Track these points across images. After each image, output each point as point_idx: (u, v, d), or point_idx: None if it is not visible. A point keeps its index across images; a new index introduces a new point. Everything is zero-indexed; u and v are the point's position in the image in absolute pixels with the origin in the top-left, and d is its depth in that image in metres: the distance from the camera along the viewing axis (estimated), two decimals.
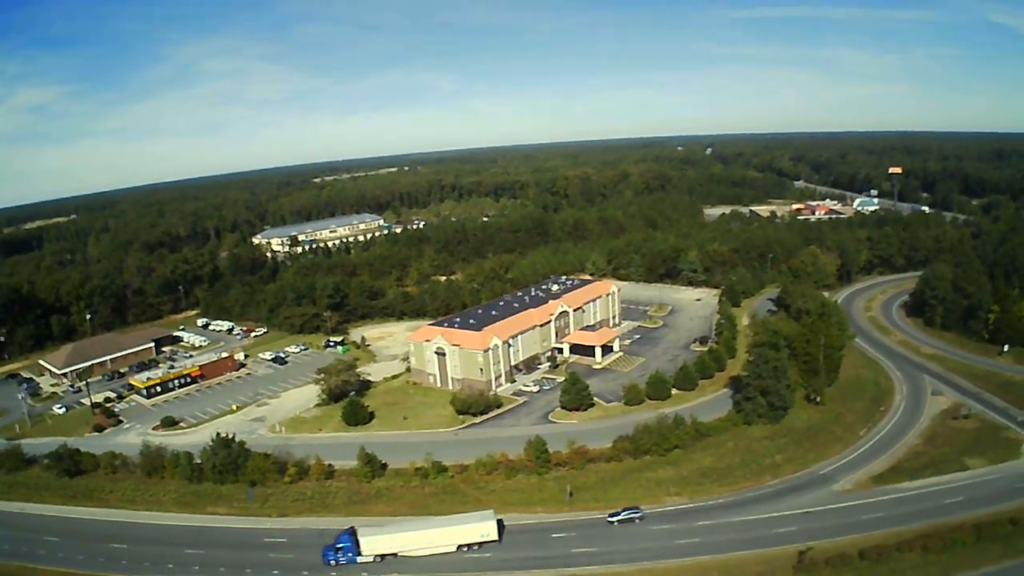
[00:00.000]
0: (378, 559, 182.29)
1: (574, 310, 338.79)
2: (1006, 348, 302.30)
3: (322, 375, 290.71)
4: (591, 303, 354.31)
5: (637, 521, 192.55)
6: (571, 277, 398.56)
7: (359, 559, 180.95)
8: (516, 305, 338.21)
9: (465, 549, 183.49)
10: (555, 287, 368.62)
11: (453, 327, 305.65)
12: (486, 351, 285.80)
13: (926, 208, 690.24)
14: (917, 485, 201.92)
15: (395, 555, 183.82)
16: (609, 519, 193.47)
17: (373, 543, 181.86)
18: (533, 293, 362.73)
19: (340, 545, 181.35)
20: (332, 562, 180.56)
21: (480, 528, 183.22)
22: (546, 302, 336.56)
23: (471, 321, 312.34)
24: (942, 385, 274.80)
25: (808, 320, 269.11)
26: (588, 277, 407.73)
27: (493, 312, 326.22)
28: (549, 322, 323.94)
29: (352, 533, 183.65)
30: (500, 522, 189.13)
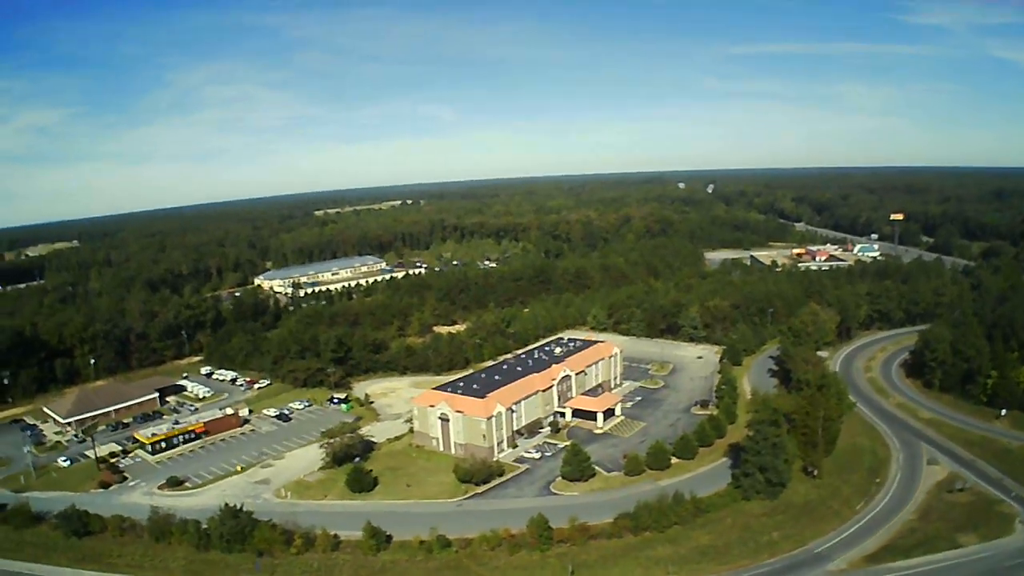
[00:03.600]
0: None
1: (576, 374, 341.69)
2: (1004, 412, 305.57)
3: (326, 439, 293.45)
4: (593, 366, 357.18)
5: None
6: (573, 338, 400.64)
7: None
8: (519, 369, 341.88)
9: None
10: (558, 350, 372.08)
11: (457, 392, 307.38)
12: (489, 419, 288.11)
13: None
14: (910, 564, 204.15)
15: None
16: None
17: None
18: (536, 355, 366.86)
19: None
20: None
21: None
22: (549, 366, 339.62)
23: (474, 386, 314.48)
24: (938, 454, 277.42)
25: (807, 392, 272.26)
26: (591, 338, 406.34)
27: (496, 377, 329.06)
28: (552, 387, 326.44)
29: None
30: None
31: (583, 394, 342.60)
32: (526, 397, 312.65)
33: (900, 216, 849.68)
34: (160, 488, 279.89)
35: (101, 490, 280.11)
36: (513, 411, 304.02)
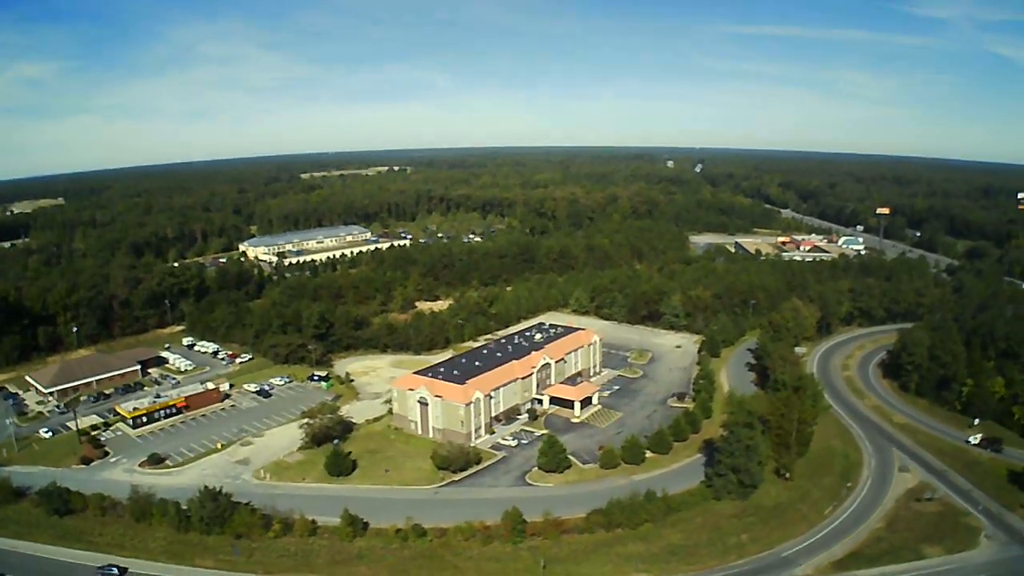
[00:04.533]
0: None
1: (556, 361, 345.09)
2: (976, 422, 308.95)
3: (306, 419, 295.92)
4: (573, 353, 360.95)
5: None
6: (554, 324, 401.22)
7: None
8: (499, 354, 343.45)
9: None
10: (538, 335, 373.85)
11: (437, 377, 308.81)
12: (468, 405, 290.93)
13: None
14: (874, 574, 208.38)
15: None
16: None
17: None
18: (517, 341, 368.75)
19: None
20: None
21: None
22: (529, 352, 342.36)
23: (454, 372, 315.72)
24: (910, 461, 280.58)
25: (783, 394, 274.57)
26: (571, 324, 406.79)
27: (476, 362, 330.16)
28: (531, 374, 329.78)
29: None
30: None
31: (562, 382, 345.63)
32: (505, 384, 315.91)
33: (886, 210, 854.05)
34: (141, 465, 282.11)
35: (83, 466, 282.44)
36: (492, 398, 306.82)
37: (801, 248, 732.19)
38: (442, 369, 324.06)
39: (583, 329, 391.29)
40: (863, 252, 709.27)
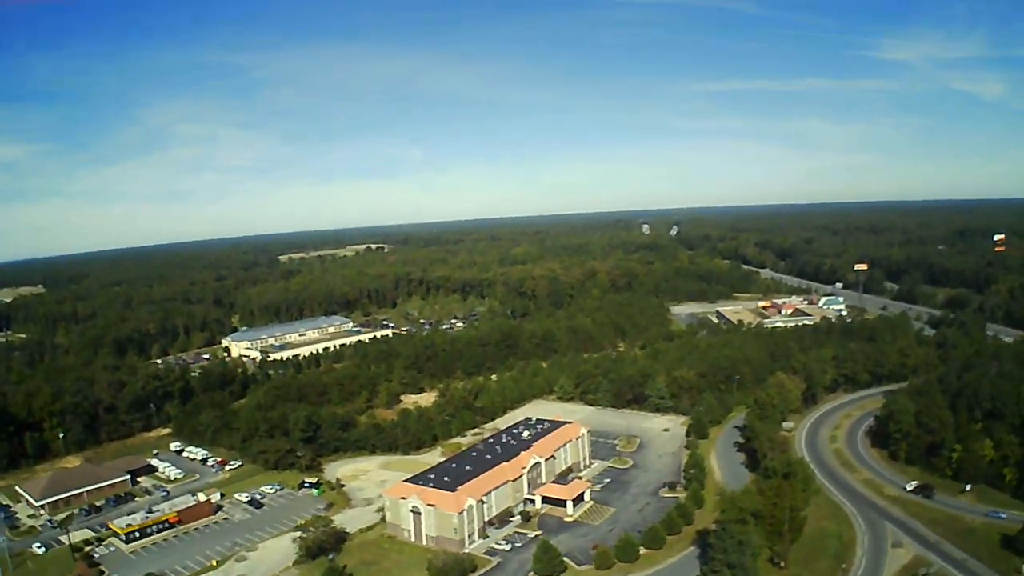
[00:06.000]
0: None
1: (546, 460, 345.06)
2: (968, 487, 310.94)
3: (300, 532, 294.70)
4: (561, 449, 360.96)
5: None
6: (541, 419, 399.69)
7: None
8: (488, 456, 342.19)
9: None
10: (526, 433, 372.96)
11: (428, 485, 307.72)
12: (461, 513, 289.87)
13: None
14: None
15: None
16: None
17: None
18: (504, 440, 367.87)
19: None
20: None
21: None
22: (518, 453, 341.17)
23: (445, 478, 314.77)
24: (903, 535, 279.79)
25: (773, 483, 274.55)
26: (558, 417, 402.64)
27: (467, 467, 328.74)
28: (521, 475, 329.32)
29: None
30: None
31: (553, 481, 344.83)
32: (496, 487, 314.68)
33: (864, 266, 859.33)
34: None
35: None
36: (484, 503, 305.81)
37: (782, 312, 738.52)
38: (432, 476, 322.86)
39: (570, 423, 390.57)
40: (844, 312, 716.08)
